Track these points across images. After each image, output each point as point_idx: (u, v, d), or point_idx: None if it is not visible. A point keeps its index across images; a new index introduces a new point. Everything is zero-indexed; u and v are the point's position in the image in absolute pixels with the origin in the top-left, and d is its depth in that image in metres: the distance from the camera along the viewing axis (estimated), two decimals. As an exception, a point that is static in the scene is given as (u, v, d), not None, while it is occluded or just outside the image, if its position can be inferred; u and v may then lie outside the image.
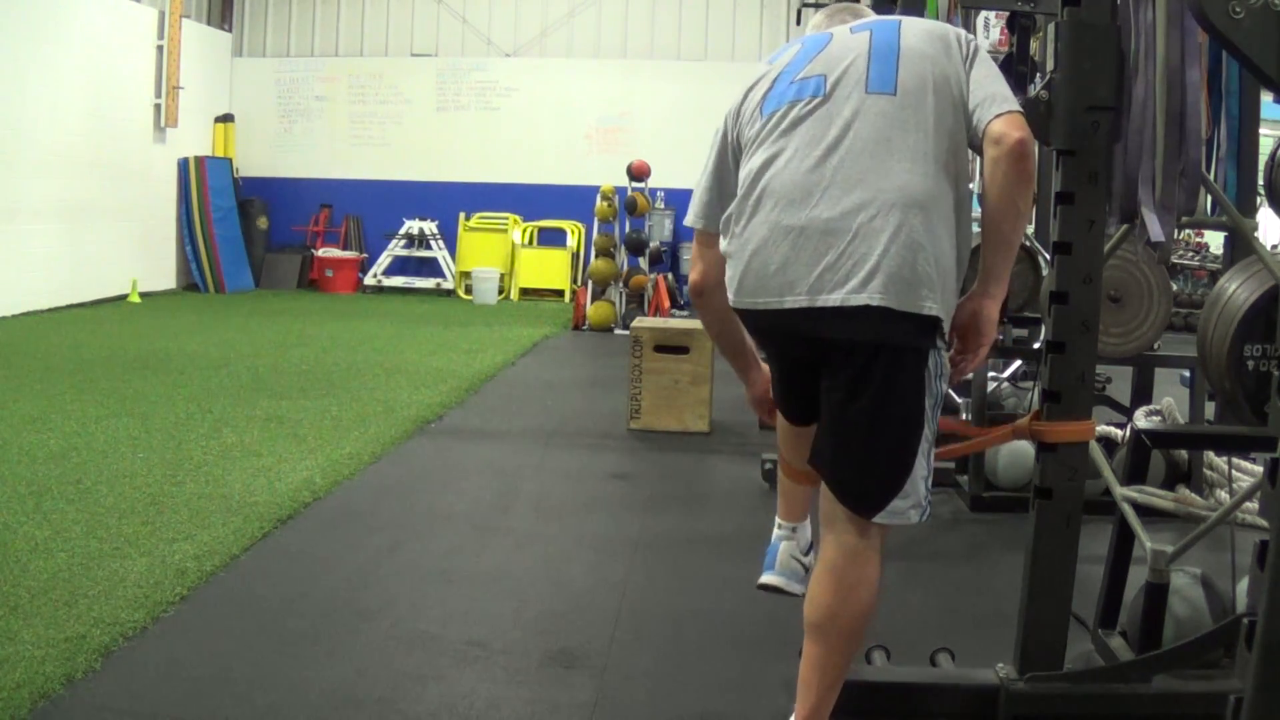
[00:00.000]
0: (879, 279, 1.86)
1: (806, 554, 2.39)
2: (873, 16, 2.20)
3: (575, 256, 11.76)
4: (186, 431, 4.88)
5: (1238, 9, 1.58)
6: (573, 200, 11.60)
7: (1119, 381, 5.35)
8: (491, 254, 11.86)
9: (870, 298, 1.86)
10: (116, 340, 7.69)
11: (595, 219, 10.20)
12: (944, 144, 1.95)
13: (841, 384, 1.94)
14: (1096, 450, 2.77)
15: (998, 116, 1.93)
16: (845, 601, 2.01)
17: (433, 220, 12.04)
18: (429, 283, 12.03)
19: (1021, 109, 1.96)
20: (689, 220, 2.19)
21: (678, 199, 10.61)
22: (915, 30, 2.05)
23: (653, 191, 10.63)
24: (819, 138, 1.95)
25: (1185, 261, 10.46)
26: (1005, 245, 2.00)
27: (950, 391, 4.68)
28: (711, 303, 2.17)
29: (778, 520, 2.42)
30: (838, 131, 1.95)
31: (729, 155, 2.13)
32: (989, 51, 2.39)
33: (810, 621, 2.07)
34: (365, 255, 12.20)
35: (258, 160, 12.26)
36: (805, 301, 1.90)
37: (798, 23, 8.50)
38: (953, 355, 2.04)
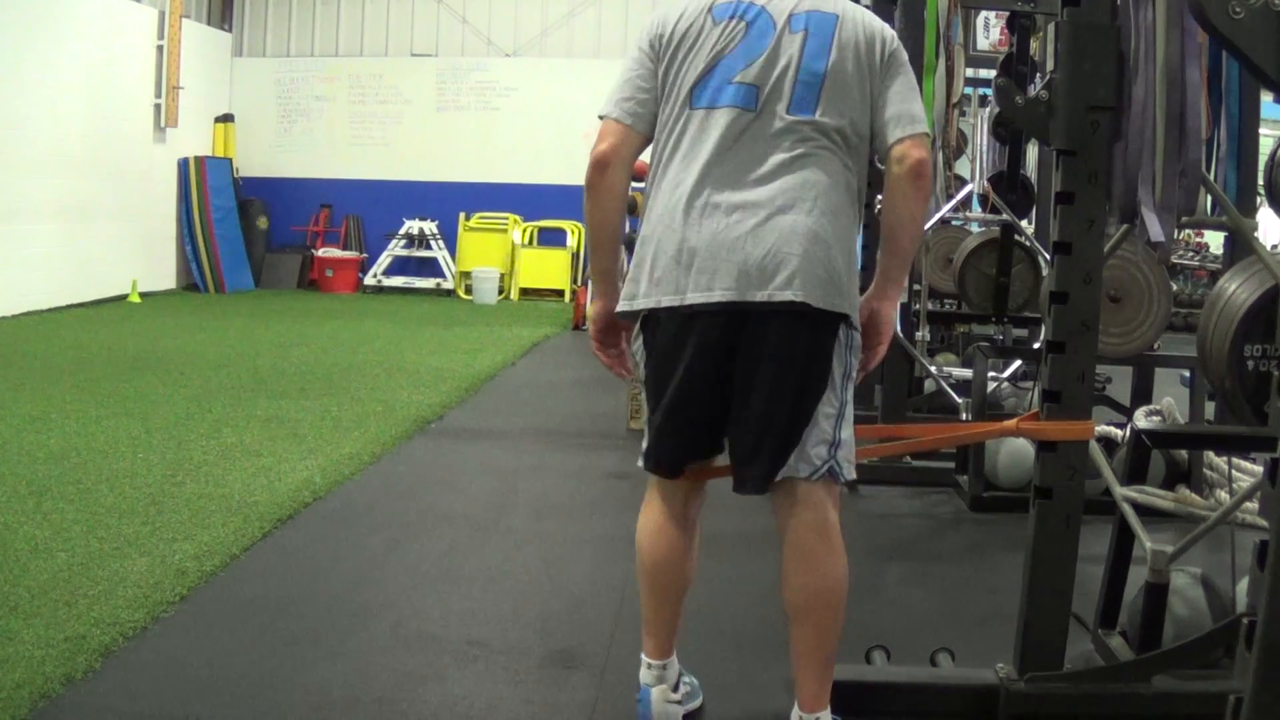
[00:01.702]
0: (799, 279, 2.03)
1: (676, 690, 2.28)
2: None
3: (575, 256, 11.76)
4: (186, 431, 4.88)
5: (1238, 9, 1.58)
6: (573, 200, 11.58)
7: (1119, 381, 5.35)
8: (491, 254, 11.86)
9: (796, 295, 2.02)
10: (116, 340, 7.69)
11: (595, 219, 10.17)
12: (852, 164, 2.12)
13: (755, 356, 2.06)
14: (1096, 450, 2.77)
15: (902, 139, 2.09)
16: (822, 575, 2.08)
17: (433, 220, 12.03)
18: (429, 283, 12.03)
19: (925, 129, 2.11)
20: (606, 109, 2.17)
21: (678, 199, 10.58)
22: (847, 40, 2.10)
23: (653, 191, 10.61)
24: (746, 160, 2.07)
25: (1185, 261, 10.46)
26: (903, 253, 2.21)
27: (950, 391, 4.68)
28: (611, 180, 2.15)
29: (645, 659, 2.27)
30: (760, 151, 2.07)
31: (651, 78, 2.16)
32: (989, 51, 2.43)
33: (793, 605, 2.10)
34: (365, 255, 12.19)
35: (258, 160, 12.26)
36: (734, 296, 2.03)
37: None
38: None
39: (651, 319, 2.12)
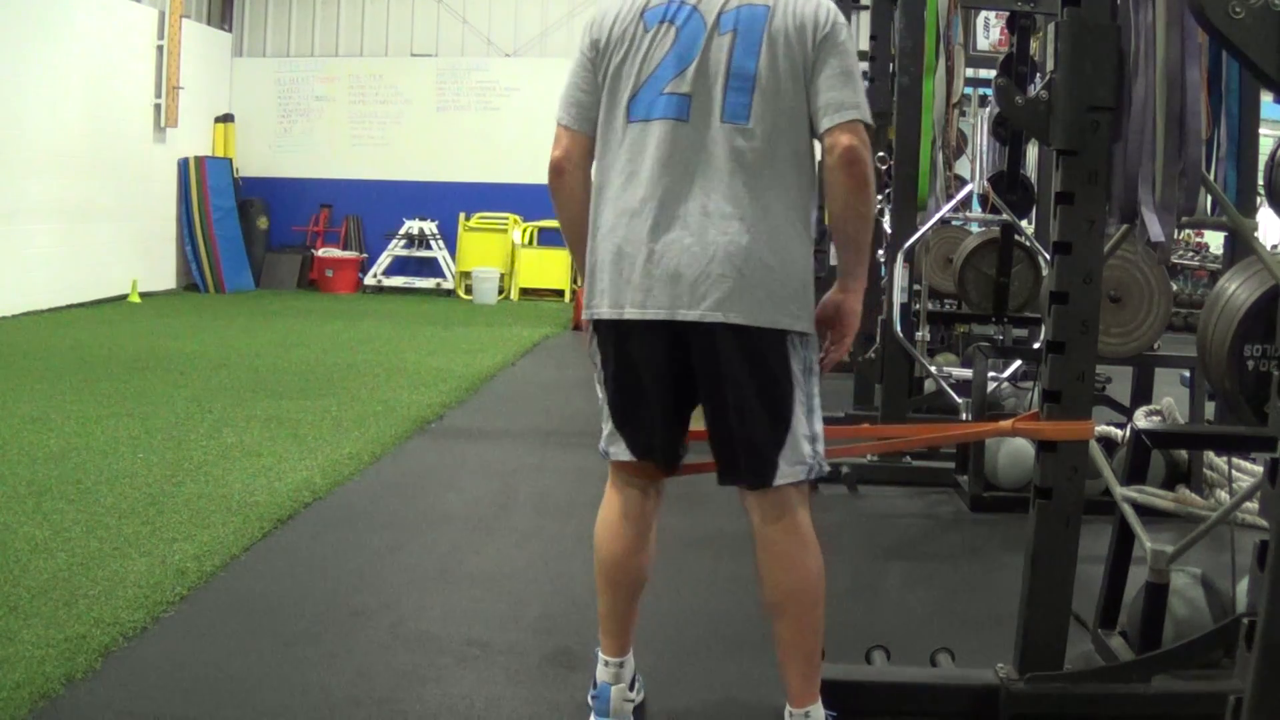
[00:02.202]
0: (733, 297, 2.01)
1: (632, 688, 2.30)
2: None
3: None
4: (186, 431, 4.88)
5: (1238, 9, 1.59)
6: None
7: (1119, 381, 5.35)
8: (491, 254, 11.86)
9: (729, 317, 2.01)
10: (116, 340, 7.69)
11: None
12: (791, 163, 2.05)
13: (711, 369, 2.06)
14: (1096, 450, 2.77)
15: (831, 129, 2.01)
16: (798, 573, 2.10)
17: (433, 220, 12.04)
18: (429, 283, 12.03)
19: (858, 115, 2.01)
20: (558, 114, 2.21)
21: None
22: (777, 33, 2.03)
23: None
24: (681, 175, 2.04)
25: (1185, 261, 10.47)
26: (852, 245, 2.11)
27: (950, 391, 4.68)
28: (569, 184, 2.20)
29: (602, 657, 2.27)
30: (695, 165, 2.04)
31: (593, 79, 2.16)
32: (989, 51, 2.41)
33: (770, 603, 2.13)
34: (365, 255, 12.19)
35: (258, 160, 12.26)
36: (666, 315, 2.04)
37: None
38: (825, 346, 2.17)
39: (600, 326, 2.15)
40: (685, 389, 2.11)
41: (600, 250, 2.12)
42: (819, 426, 2.12)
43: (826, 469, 2.14)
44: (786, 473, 2.07)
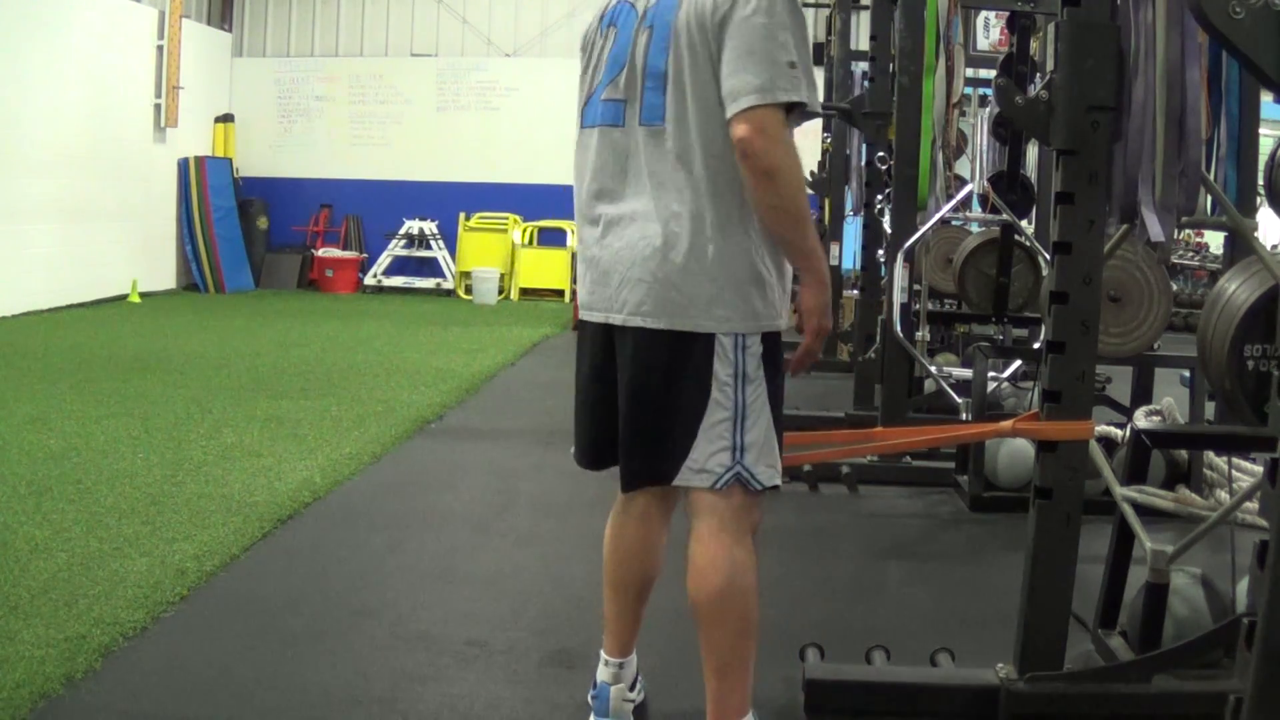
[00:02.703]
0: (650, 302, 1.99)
1: (633, 689, 2.30)
2: None
3: (575, 257, 11.76)
4: (186, 431, 4.89)
5: (1238, 9, 1.58)
6: (572, 200, 11.57)
7: (1119, 381, 5.35)
8: (491, 254, 11.86)
9: (644, 321, 2.00)
10: (116, 340, 7.69)
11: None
12: (715, 160, 1.95)
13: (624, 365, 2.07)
14: (1096, 450, 2.77)
15: (730, 120, 1.89)
16: (701, 585, 2.03)
17: (433, 220, 12.04)
18: (429, 283, 12.03)
19: (754, 100, 1.86)
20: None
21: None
22: (683, 23, 1.94)
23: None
24: (610, 180, 2.06)
25: (1185, 261, 10.47)
26: (782, 241, 1.99)
27: (950, 391, 4.68)
28: None
29: (604, 656, 2.28)
30: (621, 169, 2.04)
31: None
32: (989, 51, 2.39)
33: (690, 607, 2.08)
34: (365, 255, 12.19)
35: (258, 160, 12.26)
36: (601, 317, 2.07)
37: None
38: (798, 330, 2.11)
39: (579, 326, 2.22)
40: (609, 390, 2.10)
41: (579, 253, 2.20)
42: (753, 436, 1.99)
43: (767, 482, 2.01)
44: (688, 477, 2.00)
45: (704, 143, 1.95)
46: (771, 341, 2.03)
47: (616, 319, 2.04)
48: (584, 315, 2.15)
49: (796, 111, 1.92)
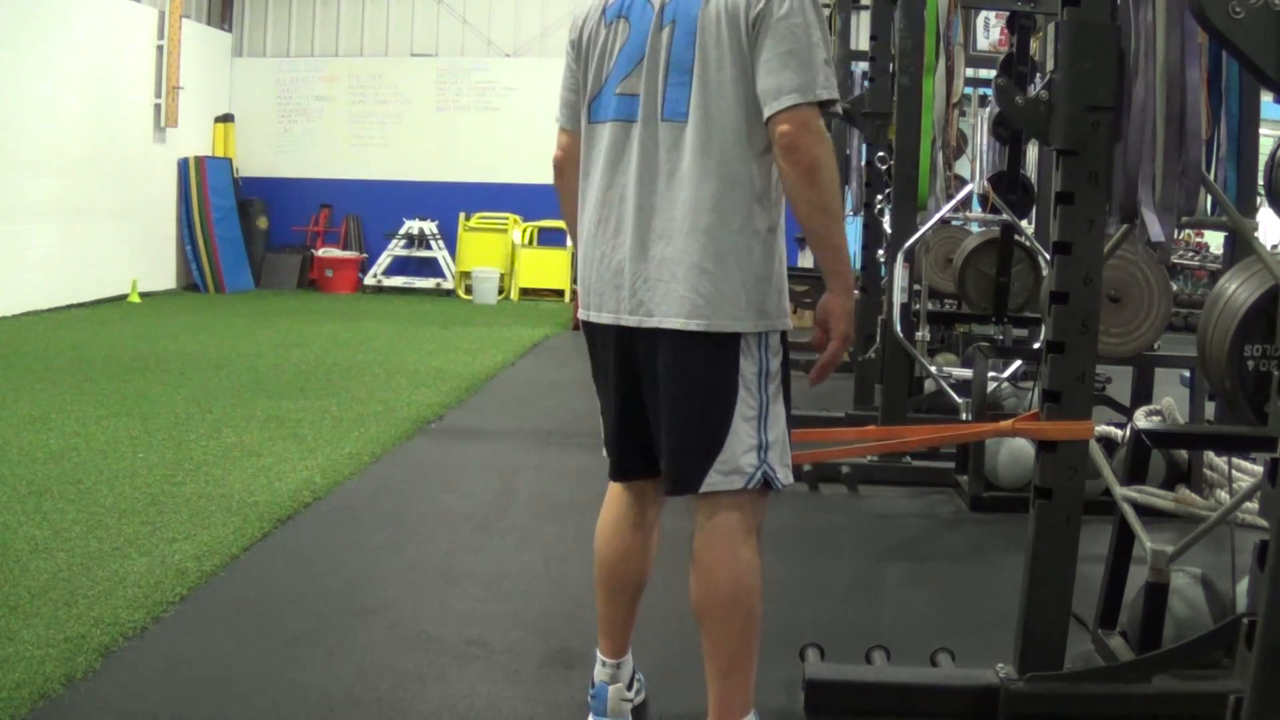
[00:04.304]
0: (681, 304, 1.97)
1: (630, 688, 2.29)
2: None
3: (575, 257, 11.76)
4: (186, 431, 4.88)
5: (1238, 9, 1.58)
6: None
7: (1119, 381, 5.35)
8: (491, 254, 11.86)
9: (680, 323, 1.97)
10: (116, 340, 7.69)
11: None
12: (737, 157, 1.96)
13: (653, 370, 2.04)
14: (1096, 450, 2.77)
15: (772, 117, 1.91)
16: (708, 586, 2.02)
17: (433, 220, 12.04)
18: (429, 283, 12.03)
19: (796, 98, 1.89)
20: (557, 115, 2.25)
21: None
22: (710, 20, 1.94)
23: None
24: (628, 177, 2.02)
25: (1185, 261, 10.46)
26: (819, 242, 1.99)
27: (950, 391, 4.68)
28: (569, 181, 2.22)
29: (600, 657, 2.27)
30: (640, 167, 2.00)
31: (575, 75, 2.17)
32: (989, 51, 2.39)
33: (695, 612, 2.07)
34: (365, 255, 12.19)
35: (258, 160, 12.26)
36: (611, 319, 2.06)
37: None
38: (817, 341, 2.09)
39: (584, 326, 2.17)
40: (634, 394, 2.08)
41: (579, 251, 2.16)
42: (773, 435, 2.02)
43: (783, 480, 2.03)
44: (717, 481, 1.99)
45: (724, 140, 1.96)
46: (783, 340, 2.06)
47: (630, 320, 2.01)
48: (592, 317, 2.10)
49: (824, 108, 1.96)
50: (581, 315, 2.15)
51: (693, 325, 1.96)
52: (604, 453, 2.22)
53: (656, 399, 2.03)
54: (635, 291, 2.00)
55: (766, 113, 1.91)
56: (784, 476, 2.04)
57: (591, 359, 2.19)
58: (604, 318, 2.07)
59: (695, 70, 1.95)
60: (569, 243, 11.79)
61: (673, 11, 1.98)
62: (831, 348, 2.05)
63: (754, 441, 2.00)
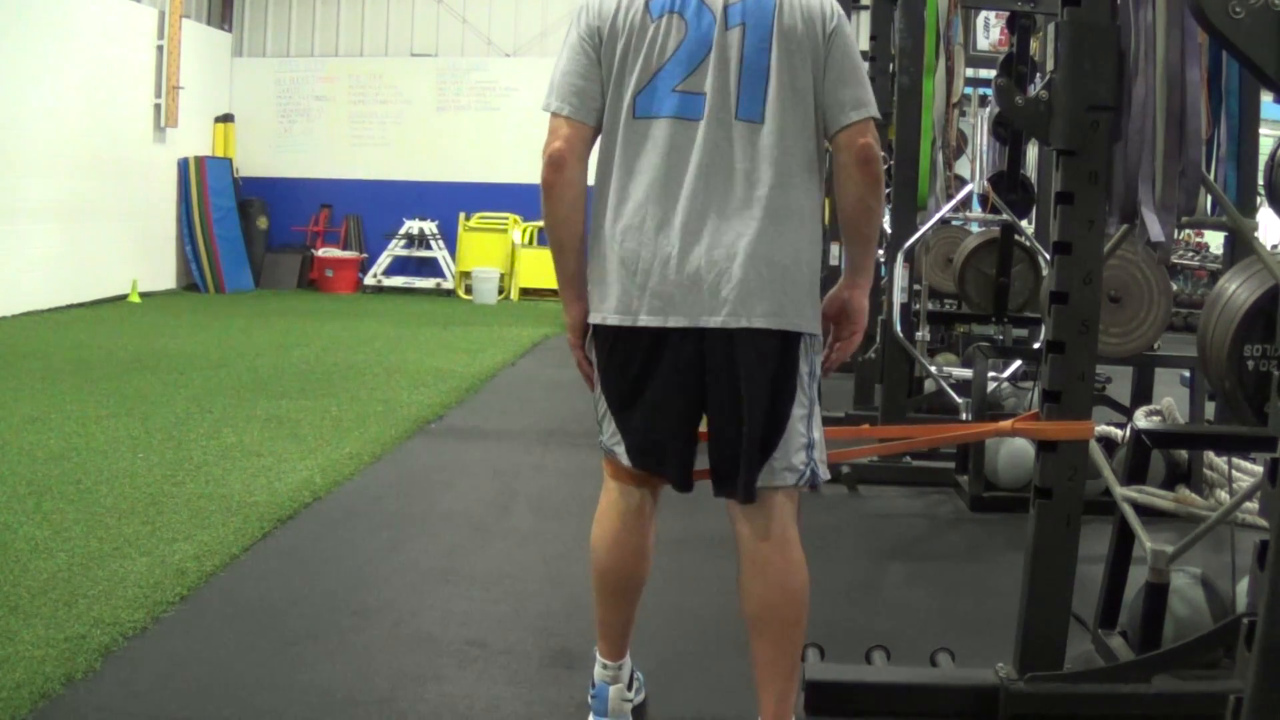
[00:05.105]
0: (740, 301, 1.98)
1: (630, 688, 2.29)
2: None
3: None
4: (186, 431, 4.88)
5: (1238, 9, 1.58)
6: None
7: (1119, 381, 5.35)
8: (491, 254, 11.86)
9: (761, 322, 1.98)
10: (116, 340, 7.69)
11: (595, 219, 10.20)
12: (804, 161, 2.02)
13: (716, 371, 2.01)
14: (1096, 450, 2.77)
15: (846, 126, 2.00)
16: (781, 589, 2.05)
17: (433, 220, 12.04)
18: (429, 283, 12.04)
19: (871, 113, 2.02)
20: (553, 104, 2.09)
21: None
22: (788, 28, 1.98)
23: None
24: (691, 175, 1.98)
25: (1185, 261, 10.46)
26: (864, 241, 2.12)
27: (950, 391, 4.68)
28: (569, 178, 2.05)
29: (600, 659, 2.27)
30: (705, 165, 1.98)
31: (595, 68, 2.06)
32: (989, 51, 2.41)
33: (751, 618, 2.07)
34: (365, 255, 12.19)
35: (258, 160, 12.26)
36: (687, 322, 1.99)
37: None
38: (830, 342, 2.15)
39: (605, 332, 2.06)
40: (697, 399, 2.04)
41: (608, 252, 2.04)
42: (818, 433, 2.07)
43: (825, 477, 2.08)
44: (780, 477, 2.02)
45: (801, 144, 2.01)
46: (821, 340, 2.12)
47: (713, 321, 1.96)
48: (649, 321, 1.99)
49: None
50: (613, 319, 2.03)
51: (776, 324, 1.98)
52: (623, 459, 2.10)
53: (722, 398, 2.00)
54: (717, 291, 1.96)
55: (841, 122, 2.00)
56: (824, 472, 2.09)
57: (619, 365, 2.06)
58: (672, 322, 1.98)
59: (772, 74, 1.99)
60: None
61: (740, 14, 1.99)
62: (849, 344, 2.15)
63: (805, 440, 2.05)
